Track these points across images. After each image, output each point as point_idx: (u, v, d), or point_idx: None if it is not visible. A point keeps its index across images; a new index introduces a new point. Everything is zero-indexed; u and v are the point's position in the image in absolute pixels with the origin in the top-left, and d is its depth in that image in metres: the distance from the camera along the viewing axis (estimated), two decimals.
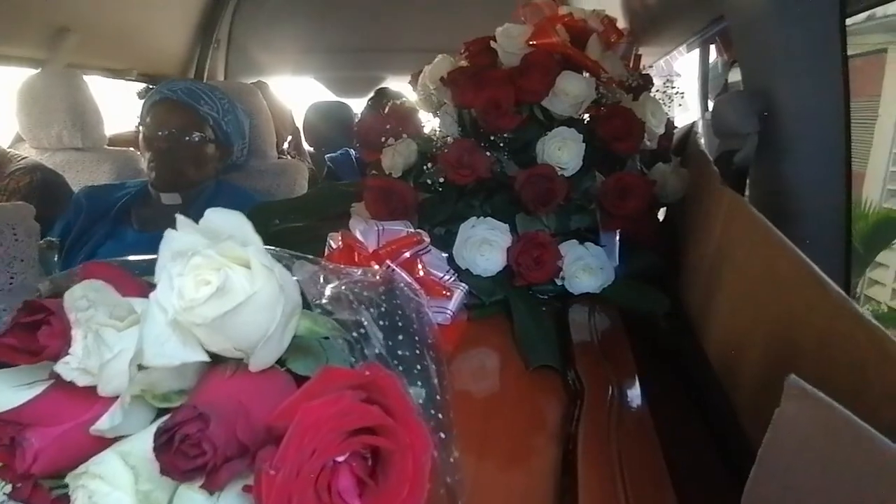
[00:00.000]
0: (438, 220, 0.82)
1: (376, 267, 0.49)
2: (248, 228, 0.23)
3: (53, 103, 1.55)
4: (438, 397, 0.32)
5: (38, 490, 0.21)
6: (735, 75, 1.23)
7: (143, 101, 1.28)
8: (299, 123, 2.31)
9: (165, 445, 0.20)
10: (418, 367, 0.31)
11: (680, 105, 0.93)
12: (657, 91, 0.90)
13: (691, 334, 0.58)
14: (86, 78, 1.65)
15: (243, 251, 0.22)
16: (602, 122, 0.82)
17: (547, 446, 0.45)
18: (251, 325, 0.22)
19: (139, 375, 0.22)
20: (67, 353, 0.22)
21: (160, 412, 0.25)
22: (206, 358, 0.22)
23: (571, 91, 0.83)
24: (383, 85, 2.21)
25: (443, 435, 0.29)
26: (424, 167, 0.86)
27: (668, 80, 1.02)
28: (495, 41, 0.94)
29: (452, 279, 0.58)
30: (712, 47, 1.26)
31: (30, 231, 0.78)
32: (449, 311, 0.54)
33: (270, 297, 0.22)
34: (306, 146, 2.33)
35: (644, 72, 0.98)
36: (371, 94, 2.15)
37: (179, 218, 0.24)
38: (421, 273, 0.53)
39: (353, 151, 2.09)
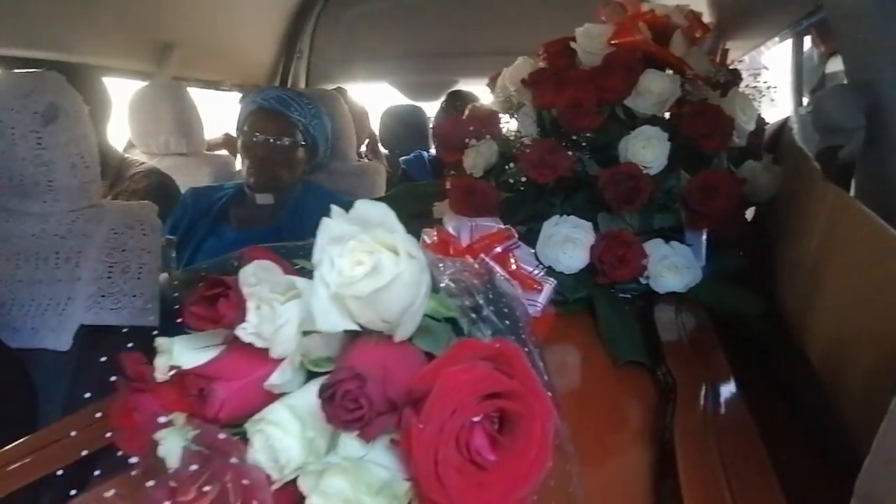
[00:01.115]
0: (520, 218, 0.84)
1: (472, 260, 0.52)
2: (393, 218, 0.27)
3: (161, 113, 1.71)
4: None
5: (222, 436, 0.26)
6: (832, 67, 1.17)
7: (241, 108, 1.39)
8: (375, 127, 2.40)
9: (329, 399, 0.24)
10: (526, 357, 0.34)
11: (772, 100, 0.89)
12: (746, 86, 0.88)
13: (787, 335, 0.57)
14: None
15: (391, 237, 0.25)
16: (688, 119, 0.81)
17: (639, 444, 0.45)
18: (397, 300, 0.25)
19: (301, 341, 0.26)
20: (243, 321, 0.27)
21: (310, 375, 0.29)
22: (356, 328, 0.26)
23: (655, 89, 0.82)
24: (455, 88, 2.25)
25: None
26: (505, 167, 0.89)
27: (756, 74, 0.99)
28: (574, 42, 0.95)
29: (542, 273, 0.60)
30: (806, 39, 1.20)
31: (155, 227, 0.88)
32: (539, 304, 0.56)
33: (414, 277, 0.25)
34: (382, 149, 2.42)
35: (731, 67, 0.95)
36: (444, 97, 2.20)
37: (334, 208, 0.28)
38: (513, 267, 0.55)
39: (425, 153, 2.15)
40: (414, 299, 0.25)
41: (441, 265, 0.33)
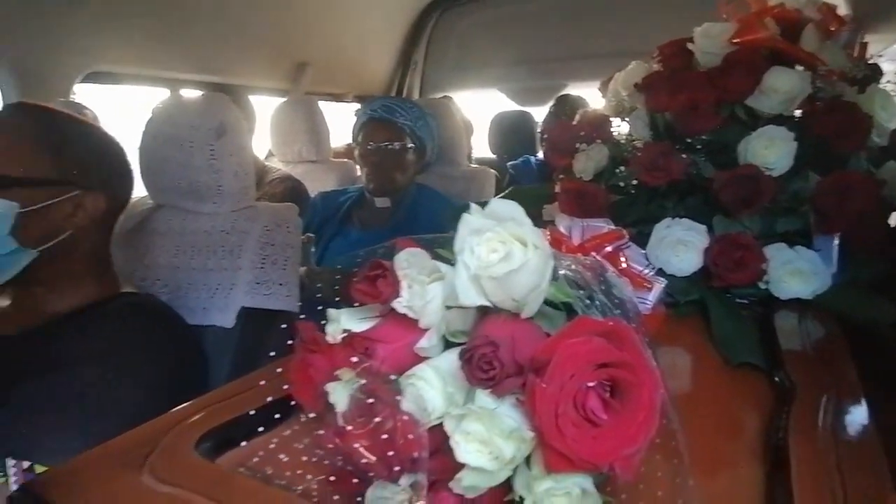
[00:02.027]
0: (630, 220, 0.85)
1: (584, 258, 0.55)
2: (522, 213, 0.32)
3: (296, 126, 1.91)
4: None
5: (382, 386, 0.33)
6: None
7: (356, 119, 1.53)
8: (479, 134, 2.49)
9: (468, 361, 0.30)
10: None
11: None
12: (888, 82, 0.81)
13: None
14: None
15: (521, 229, 0.31)
16: (820, 118, 0.78)
17: (752, 450, 0.45)
18: (525, 283, 0.30)
19: (444, 314, 0.32)
20: (398, 297, 0.34)
21: (447, 345, 0.35)
22: (489, 304, 0.32)
23: (781, 87, 0.80)
24: (564, 92, 2.26)
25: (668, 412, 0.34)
26: (616, 170, 0.90)
27: None
28: (691, 42, 0.94)
29: (652, 273, 0.62)
30: None
31: (297, 226, 1.02)
32: (649, 302, 0.58)
33: (539, 264, 0.30)
34: (490, 154, 2.49)
35: (871, 61, 0.89)
36: (552, 102, 2.22)
37: (472, 206, 0.34)
38: (623, 265, 0.58)
39: (532, 158, 2.18)
40: (539, 283, 0.30)
41: (559, 258, 0.38)
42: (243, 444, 0.42)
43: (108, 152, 0.81)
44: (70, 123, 0.78)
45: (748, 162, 0.79)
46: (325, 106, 2.26)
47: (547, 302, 0.34)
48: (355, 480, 0.34)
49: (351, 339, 0.35)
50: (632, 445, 0.27)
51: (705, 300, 0.73)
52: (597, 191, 0.87)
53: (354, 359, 0.32)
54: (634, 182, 0.85)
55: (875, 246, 0.76)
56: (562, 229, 0.62)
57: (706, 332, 0.67)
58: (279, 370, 0.43)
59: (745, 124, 0.84)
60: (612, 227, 0.63)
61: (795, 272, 0.72)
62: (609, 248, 0.58)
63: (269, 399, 0.42)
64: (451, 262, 0.34)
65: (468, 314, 0.33)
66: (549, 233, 0.62)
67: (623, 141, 0.97)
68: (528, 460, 0.30)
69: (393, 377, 0.33)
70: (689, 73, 0.92)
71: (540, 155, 2.20)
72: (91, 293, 0.77)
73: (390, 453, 0.31)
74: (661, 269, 0.76)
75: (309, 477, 0.37)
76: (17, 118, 0.74)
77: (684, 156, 0.84)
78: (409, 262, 0.34)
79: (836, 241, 0.75)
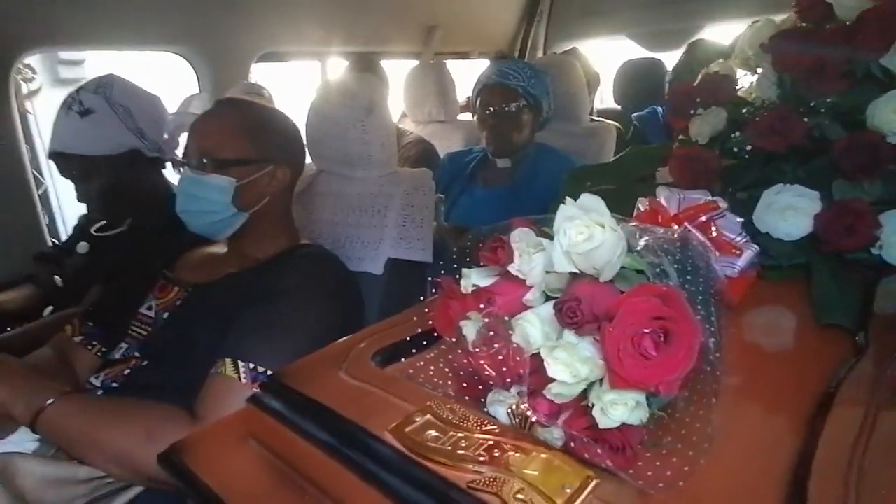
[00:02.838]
0: (742, 184, 0.88)
1: (675, 227, 0.63)
2: (603, 206, 0.43)
3: (427, 87, 2.07)
4: (714, 329, 0.47)
5: (499, 324, 0.47)
6: None
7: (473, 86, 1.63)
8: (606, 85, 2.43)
9: (560, 310, 0.43)
10: (701, 302, 0.46)
11: None
12: None
13: None
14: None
15: (601, 218, 0.42)
16: None
17: (803, 398, 0.49)
18: (603, 256, 0.42)
19: (545, 277, 0.45)
20: (512, 262, 0.47)
21: (546, 298, 0.48)
22: (577, 271, 0.44)
23: None
24: (699, 36, 2.12)
25: (711, 359, 0.44)
26: (732, 135, 0.92)
27: None
28: None
29: (745, 240, 0.68)
30: None
31: (431, 189, 1.19)
32: (737, 267, 0.65)
33: (613, 243, 0.42)
34: (614, 105, 2.44)
35: None
36: (685, 48, 2.10)
37: (568, 200, 0.45)
38: (714, 234, 0.65)
39: (660, 109, 2.11)
40: (612, 257, 0.42)
41: (639, 234, 0.48)
42: (402, 360, 0.60)
43: (289, 132, 1.04)
44: (263, 111, 1.01)
45: (874, 126, 0.78)
46: (452, 64, 2.39)
47: (627, 268, 0.46)
48: (480, 387, 0.49)
49: (478, 291, 0.50)
50: (671, 375, 0.39)
51: (811, 264, 0.76)
52: (709, 156, 0.90)
53: (481, 305, 0.47)
54: (748, 148, 0.88)
55: None
56: (661, 200, 0.70)
57: (805, 295, 0.71)
58: (426, 310, 0.59)
59: (877, 84, 0.82)
60: (710, 197, 0.69)
61: None
62: (703, 218, 0.65)
63: (419, 330, 0.59)
64: (551, 238, 0.47)
65: (562, 277, 0.46)
66: (648, 202, 0.70)
67: (750, 99, 0.98)
68: (600, 381, 0.42)
69: (507, 319, 0.47)
70: (817, 31, 0.90)
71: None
72: (282, 244, 1.02)
73: (504, 370, 0.45)
74: (767, 234, 0.80)
75: (448, 383, 0.54)
76: (228, 112, 0.98)
77: (806, 119, 0.84)
78: (521, 237, 0.47)
79: None
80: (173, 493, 0.76)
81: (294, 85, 2.21)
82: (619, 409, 0.41)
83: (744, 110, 0.95)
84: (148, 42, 1.58)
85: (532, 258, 0.46)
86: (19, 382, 0.81)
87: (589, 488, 0.39)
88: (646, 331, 0.40)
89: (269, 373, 0.80)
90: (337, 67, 2.09)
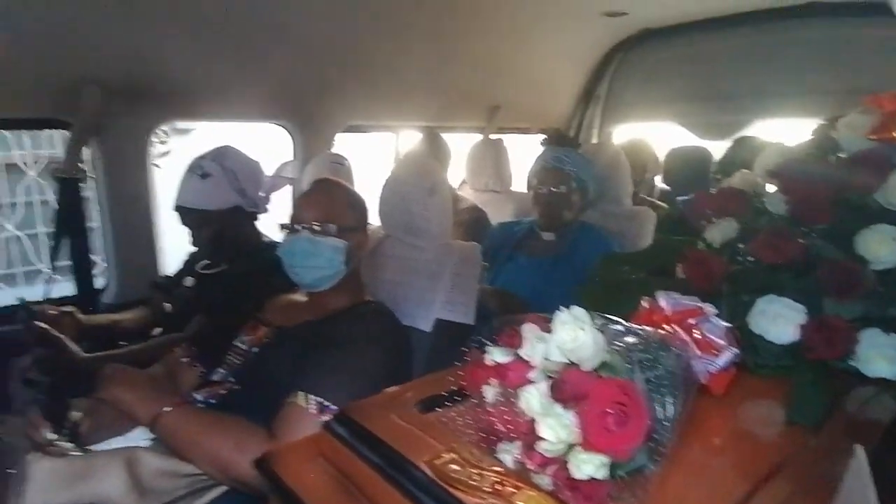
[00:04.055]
0: (744, 289, 1.02)
1: (667, 327, 0.79)
2: (587, 317, 0.61)
3: (486, 160, 2.31)
4: (676, 410, 0.62)
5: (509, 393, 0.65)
6: None
7: (531, 166, 1.85)
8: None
9: (552, 388, 0.60)
10: (662, 391, 0.62)
11: None
12: None
13: None
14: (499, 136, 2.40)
15: (583, 325, 0.60)
16: None
17: (745, 473, 0.65)
18: (584, 353, 0.60)
19: (543, 362, 0.63)
20: (522, 348, 0.65)
21: (545, 378, 0.65)
22: (566, 360, 0.61)
23: None
24: (748, 129, 2.25)
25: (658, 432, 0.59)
26: (740, 244, 1.07)
27: None
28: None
29: (726, 343, 0.82)
30: None
31: (478, 261, 1.39)
32: (717, 364, 0.79)
33: (593, 343, 0.59)
34: (663, 186, 2.58)
35: None
36: (732, 142, 2.23)
37: (563, 310, 0.63)
38: (698, 335, 0.80)
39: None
40: (590, 354, 0.59)
41: (620, 333, 0.65)
42: (438, 409, 0.78)
43: (365, 204, 1.28)
44: (353, 190, 1.25)
45: (860, 254, 0.91)
46: (511, 138, 2.62)
47: (608, 361, 0.63)
48: (494, 437, 0.66)
49: (497, 365, 0.68)
50: (627, 445, 0.55)
51: (794, 366, 0.89)
52: (716, 262, 1.05)
53: (493, 380, 0.65)
54: (750, 259, 1.02)
55: None
56: (660, 301, 0.86)
57: (786, 391, 0.84)
58: (461, 373, 0.78)
59: (868, 216, 0.95)
60: (699, 304, 0.84)
61: (886, 356, 0.84)
62: (691, 321, 0.81)
63: (453, 388, 0.77)
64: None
65: (557, 363, 0.64)
66: (648, 303, 0.87)
67: (760, 210, 1.12)
68: (577, 444, 0.59)
69: (515, 390, 0.65)
70: (823, 161, 1.05)
71: (712, 191, 2.24)
72: (352, 298, 1.24)
73: (511, 427, 0.63)
74: (760, 335, 0.93)
75: (471, 432, 0.71)
76: (335, 188, 1.23)
77: (801, 241, 0.98)
78: (529, 330, 0.66)
79: None
80: (251, 495, 0.96)
81: (368, 152, 2.52)
82: (588, 466, 0.57)
83: (756, 219, 1.10)
84: (256, 115, 1.91)
85: (535, 347, 0.64)
86: (143, 391, 1.05)
87: None
88: (609, 411, 0.57)
89: (333, 406, 1.00)
90: (408, 138, 2.38)
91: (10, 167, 3.99)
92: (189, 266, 1.70)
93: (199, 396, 1.16)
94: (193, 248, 1.64)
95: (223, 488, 1.01)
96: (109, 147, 1.61)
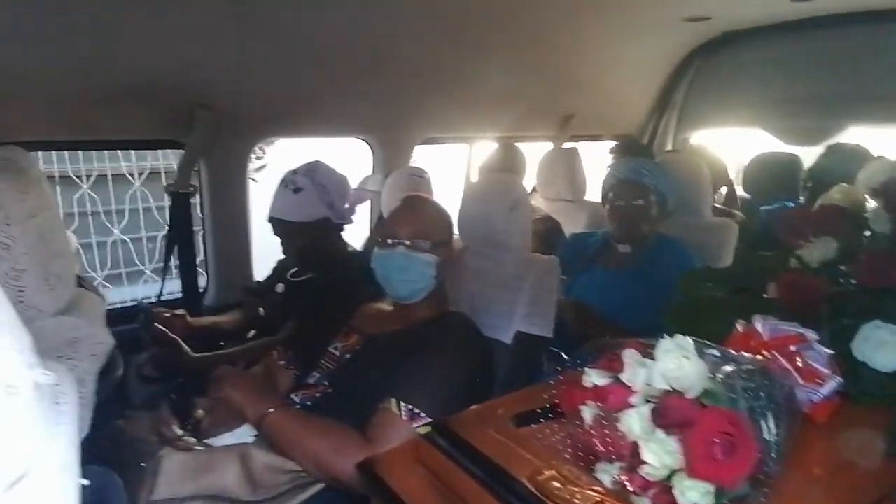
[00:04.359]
0: (846, 313, 0.99)
1: (764, 353, 0.78)
2: (691, 346, 0.62)
3: (558, 169, 2.31)
4: (780, 441, 0.63)
5: (609, 415, 0.67)
6: None
7: (604, 179, 1.83)
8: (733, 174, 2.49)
9: (654, 413, 0.62)
10: (769, 420, 0.63)
11: None
12: None
13: None
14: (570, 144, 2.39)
15: (687, 353, 0.61)
16: None
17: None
18: (688, 381, 0.61)
19: (644, 387, 0.65)
20: (622, 372, 0.68)
21: (645, 402, 0.67)
22: (669, 388, 0.63)
23: None
24: (841, 135, 2.13)
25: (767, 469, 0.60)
26: (841, 266, 1.04)
27: None
28: None
29: (830, 372, 0.80)
30: None
31: (557, 274, 1.41)
32: (820, 394, 0.78)
33: (696, 370, 0.61)
34: (742, 193, 2.48)
35: None
36: (824, 149, 2.12)
37: (666, 338, 0.65)
38: (799, 363, 0.79)
39: (791, 204, 2.14)
40: (694, 383, 0.61)
41: (719, 360, 0.65)
42: (532, 425, 0.81)
43: (451, 219, 1.33)
44: (440, 206, 1.31)
45: None
46: (582, 146, 2.60)
47: (709, 389, 0.64)
48: (591, 457, 0.69)
49: (596, 387, 0.71)
50: (735, 475, 0.57)
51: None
52: (815, 283, 1.02)
53: (591, 402, 0.68)
54: (853, 282, 0.99)
55: None
56: (757, 325, 0.85)
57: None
58: (553, 390, 0.81)
59: None
60: (800, 330, 0.83)
61: None
62: (792, 349, 0.80)
63: (547, 404, 0.81)
64: (653, 358, 0.66)
65: (658, 389, 0.65)
66: (743, 328, 0.86)
67: (862, 229, 1.08)
68: (681, 470, 0.61)
69: (615, 413, 0.67)
70: None
71: (801, 200, 2.14)
72: (438, 308, 1.30)
73: (611, 448, 0.65)
74: (864, 363, 0.90)
75: (567, 448, 0.74)
76: (425, 204, 1.30)
77: None
78: (630, 356, 0.68)
79: None
80: (347, 493, 1.03)
81: (439, 161, 2.58)
82: (693, 493, 0.59)
83: (855, 241, 1.05)
84: (343, 131, 2.02)
85: (637, 373, 0.66)
86: (251, 392, 1.15)
87: None
88: (716, 440, 0.58)
89: (423, 414, 1.06)
90: (482, 149, 2.43)
91: (117, 177, 4.47)
92: (279, 273, 1.82)
93: (296, 398, 1.25)
94: (280, 256, 1.77)
95: (322, 485, 1.09)
96: (214, 164, 1.76)
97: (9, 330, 0.47)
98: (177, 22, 1.37)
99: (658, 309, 1.39)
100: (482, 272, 1.48)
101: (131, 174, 4.48)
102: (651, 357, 0.67)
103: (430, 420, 1.04)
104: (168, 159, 4.02)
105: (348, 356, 1.29)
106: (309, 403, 1.23)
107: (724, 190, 2.42)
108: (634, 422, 0.64)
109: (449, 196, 1.64)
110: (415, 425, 1.05)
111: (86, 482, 0.54)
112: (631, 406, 0.67)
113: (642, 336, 1.45)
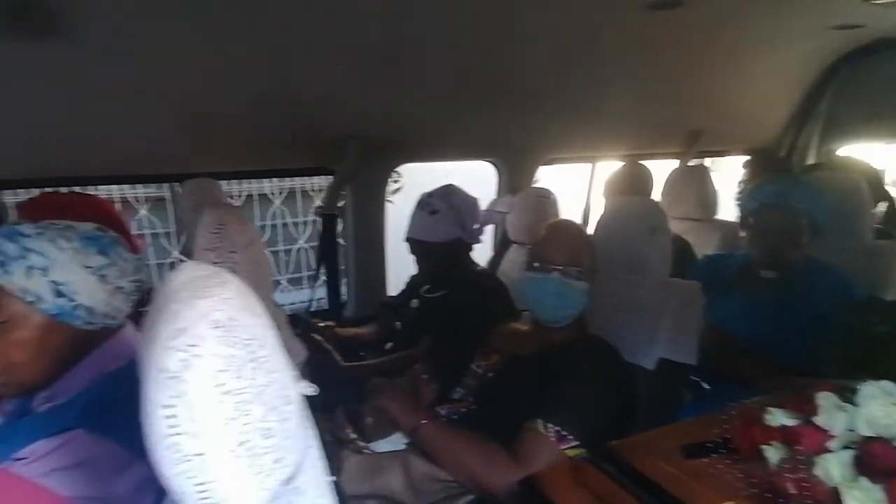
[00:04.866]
0: None
1: None
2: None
3: (688, 188, 2.23)
4: None
5: (802, 458, 0.66)
6: None
7: (742, 199, 1.73)
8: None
9: (856, 460, 0.61)
10: None
11: None
12: None
13: None
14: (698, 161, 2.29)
15: (893, 399, 0.59)
16: None
17: None
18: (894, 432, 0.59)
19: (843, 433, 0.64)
20: (815, 415, 0.66)
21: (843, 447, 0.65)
22: (874, 434, 0.61)
23: None
24: None
25: None
26: None
27: None
28: None
29: None
30: None
31: (699, 301, 1.38)
32: None
33: None
34: None
35: None
36: None
37: (871, 383, 0.63)
38: None
39: None
40: None
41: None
42: (702, 458, 0.82)
43: (595, 245, 1.35)
44: (587, 233, 1.34)
45: None
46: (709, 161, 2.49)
47: None
48: (780, 499, 0.68)
49: (784, 427, 0.70)
50: None
51: None
52: None
53: (777, 442, 0.67)
54: None
55: None
56: None
57: None
58: (724, 425, 0.80)
59: None
60: None
61: None
62: None
63: (718, 439, 0.80)
64: (850, 403, 0.65)
65: (860, 435, 0.64)
66: None
67: None
68: None
69: (807, 456, 0.66)
70: None
71: None
72: (578, 332, 1.32)
73: (805, 493, 0.65)
74: None
75: (744, 486, 0.74)
76: (575, 229, 1.33)
77: None
78: (826, 399, 0.67)
79: None
80: None
81: (558, 181, 2.59)
82: None
83: None
84: (472, 154, 2.12)
85: (836, 417, 0.65)
86: (405, 403, 1.25)
87: None
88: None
89: (570, 437, 1.08)
90: (604, 168, 2.41)
91: (262, 197, 5.08)
92: (411, 289, 1.94)
93: (442, 411, 1.33)
94: (414, 273, 1.88)
95: (471, 496, 1.15)
96: (357, 187, 1.93)
97: (280, 348, 0.57)
98: (337, 63, 1.53)
99: (812, 342, 1.30)
100: (618, 297, 1.48)
101: (273, 193, 5.06)
102: (849, 401, 0.66)
103: (577, 442, 1.07)
104: (303, 179, 4.48)
105: (490, 375, 1.35)
106: (455, 417, 1.31)
107: (882, 206, 2.19)
108: (833, 467, 0.63)
109: (571, 216, 1.66)
110: (563, 447, 1.08)
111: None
112: (828, 451, 0.65)
113: (793, 369, 1.37)
